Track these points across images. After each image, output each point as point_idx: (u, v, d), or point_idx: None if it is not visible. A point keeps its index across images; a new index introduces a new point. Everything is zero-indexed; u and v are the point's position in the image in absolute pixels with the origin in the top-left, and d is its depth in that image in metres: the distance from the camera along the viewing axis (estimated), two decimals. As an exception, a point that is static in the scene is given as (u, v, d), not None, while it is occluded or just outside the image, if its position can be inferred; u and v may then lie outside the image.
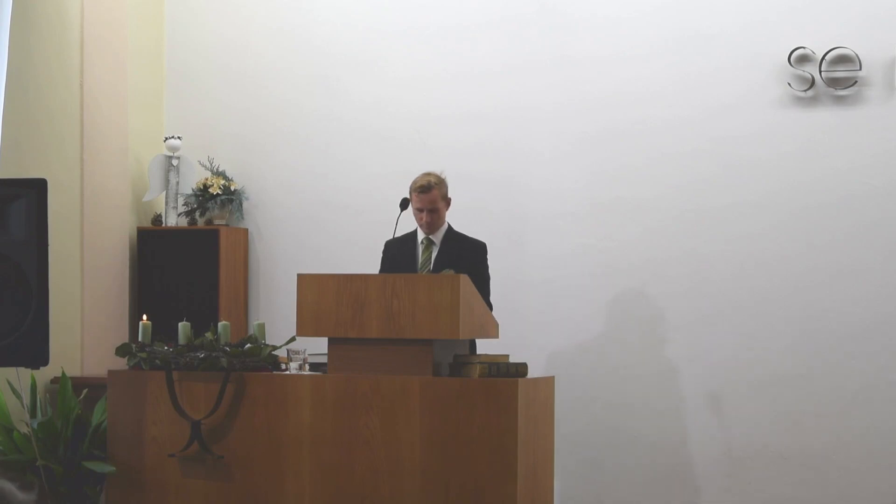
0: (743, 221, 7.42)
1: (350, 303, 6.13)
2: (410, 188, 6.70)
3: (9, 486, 2.81)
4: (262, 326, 6.55)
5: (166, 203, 8.16)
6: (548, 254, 7.73)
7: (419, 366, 6.06)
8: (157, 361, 6.43)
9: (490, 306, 6.52)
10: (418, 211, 6.68)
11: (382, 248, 6.86)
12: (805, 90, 7.33)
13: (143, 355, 6.45)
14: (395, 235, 6.72)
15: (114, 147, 7.98)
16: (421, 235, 6.74)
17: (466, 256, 6.65)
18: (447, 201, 6.75)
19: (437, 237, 6.73)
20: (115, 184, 7.99)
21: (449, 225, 6.78)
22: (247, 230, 8.29)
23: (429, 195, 6.65)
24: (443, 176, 6.73)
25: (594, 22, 7.70)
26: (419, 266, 6.69)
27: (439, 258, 6.67)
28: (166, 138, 8.23)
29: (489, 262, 6.80)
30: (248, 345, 6.43)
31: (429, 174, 6.71)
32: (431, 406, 6.01)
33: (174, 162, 8.15)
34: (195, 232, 8.14)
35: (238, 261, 8.20)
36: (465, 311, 6.03)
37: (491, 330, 6.37)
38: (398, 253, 6.74)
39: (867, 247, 7.23)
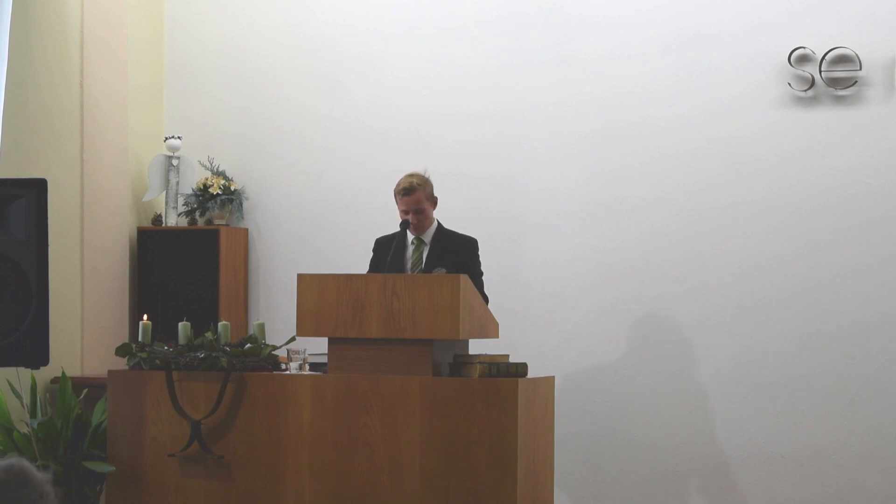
0: (743, 221, 7.42)
1: (350, 303, 6.13)
2: (394, 191, 6.63)
3: (28, 465, 2.94)
4: (262, 326, 6.55)
5: (166, 203, 8.16)
6: (547, 253, 7.72)
7: (419, 366, 6.05)
8: (157, 361, 6.42)
9: (486, 299, 6.49)
10: (404, 213, 6.60)
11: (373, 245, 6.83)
12: (805, 90, 7.32)
13: (143, 355, 6.45)
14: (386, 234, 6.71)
15: (114, 147, 7.98)
16: (411, 236, 6.67)
17: (458, 253, 6.61)
18: (433, 201, 6.66)
19: (427, 237, 6.66)
20: (115, 184, 7.98)
21: (439, 223, 6.72)
22: (247, 230, 8.29)
23: (412, 197, 6.56)
24: (427, 175, 6.66)
25: (594, 22, 7.70)
26: (410, 266, 6.64)
27: (430, 257, 6.62)
28: (166, 138, 8.23)
29: (482, 258, 6.74)
30: (248, 345, 6.43)
31: (412, 175, 6.62)
32: (431, 406, 6.00)
33: (174, 162, 8.14)
34: (195, 232, 8.14)
35: (238, 261, 8.20)
36: (465, 311, 6.02)
37: (491, 330, 6.36)
38: (388, 252, 6.61)
39: (867, 247, 7.22)
